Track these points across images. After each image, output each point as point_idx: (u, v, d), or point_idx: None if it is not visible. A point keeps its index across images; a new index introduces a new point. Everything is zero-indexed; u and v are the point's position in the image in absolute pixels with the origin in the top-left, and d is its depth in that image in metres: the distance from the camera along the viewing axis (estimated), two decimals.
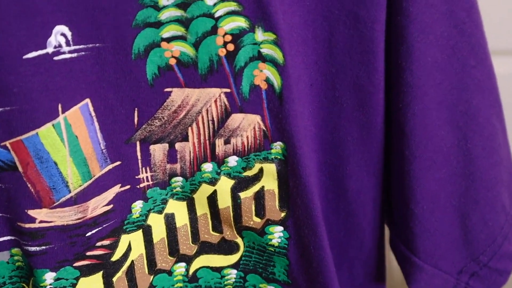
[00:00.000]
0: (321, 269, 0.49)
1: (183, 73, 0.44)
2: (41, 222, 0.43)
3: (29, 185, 0.42)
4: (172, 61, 0.44)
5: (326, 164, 0.52)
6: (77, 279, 0.45)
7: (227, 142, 0.47)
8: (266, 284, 0.53)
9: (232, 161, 0.48)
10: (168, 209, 0.49)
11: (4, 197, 0.43)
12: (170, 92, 0.45)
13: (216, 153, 0.47)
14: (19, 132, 0.40)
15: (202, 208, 0.49)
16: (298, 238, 0.50)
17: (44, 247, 0.44)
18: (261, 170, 0.48)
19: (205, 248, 0.51)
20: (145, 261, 0.49)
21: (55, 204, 0.43)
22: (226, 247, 0.51)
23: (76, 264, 0.45)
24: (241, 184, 0.48)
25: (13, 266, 0.45)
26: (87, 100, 0.43)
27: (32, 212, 0.43)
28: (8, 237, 0.44)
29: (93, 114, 0.43)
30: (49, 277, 0.44)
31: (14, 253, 0.45)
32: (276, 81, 0.45)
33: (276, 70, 0.45)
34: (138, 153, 0.46)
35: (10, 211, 0.43)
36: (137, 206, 0.47)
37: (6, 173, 0.42)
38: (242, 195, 0.49)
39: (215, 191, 0.48)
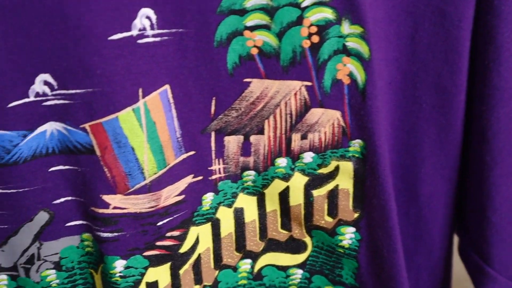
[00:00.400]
0: (393, 274, 0.47)
1: (264, 63, 0.43)
2: (114, 208, 0.42)
3: (105, 170, 0.41)
4: (254, 51, 0.43)
5: (399, 165, 0.51)
6: (146, 268, 0.45)
7: (304, 137, 0.46)
8: (332, 286, 0.51)
9: (308, 157, 0.46)
10: (238, 203, 0.48)
11: (80, 181, 0.42)
12: (250, 82, 0.44)
13: (292, 148, 0.46)
14: (99, 115, 0.40)
15: (272, 204, 0.48)
16: (370, 241, 0.48)
17: (116, 234, 0.43)
18: (337, 168, 0.46)
19: (272, 245, 0.50)
20: (212, 255, 0.48)
21: (129, 191, 0.42)
22: (294, 246, 0.50)
23: (146, 254, 0.44)
24: (315, 181, 0.47)
25: (83, 251, 0.45)
26: (167, 86, 0.42)
27: (106, 198, 0.42)
28: (80, 222, 0.44)
29: (171, 101, 0.42)
30: (119, 264, 0.43)
31: (85, 238, 0.44)
32: (360, 76, 0.43)
33: (360, 64, 0.43)
34: (213, 144, 0.45)
35: (84, 195, 0.42)
36: (208, 198, 0.46)
37: (83, 156, 0.41)
38: (315, 193, 0.47)
39: (287, 187, 0.47)
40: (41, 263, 0.44)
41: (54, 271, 0.45)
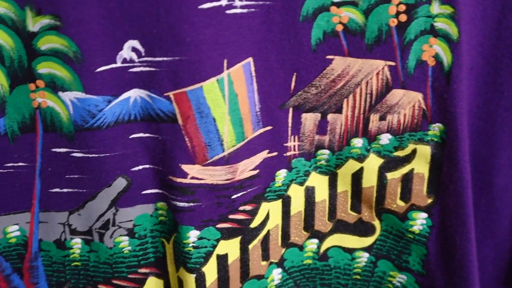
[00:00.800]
0: (464, 263, 0.46)
1: (348, 41, 0.43)
2: (192, 178, 0.43)
3: (186, 139, 0.41)
4: (339, 27, 0.42)
5: (474, 154, 0.49)
6: (217, 240, 0.45)
7: (382, 118, 0.45)
8: (398, 272, 0.50)
9: (385, 138, 0.46)
10: (310, 182, 0.47)
11: (159, 149, 0.42)
12: (332, 60, 0.43)
13: (369, 129, 0.45)
14: (184, 83, 0.40)
15: (344, 185, 0.48)
16: (442, 227, 0.47)
17: (192, 204, 0.43)
18: (413, 152, 0.46)
19: (340, 227, 0.49)
20: (280, 233, 0.48)
21: (208, 162, 0.42)
22: (362, 229, 0.49)
23: (219, 226, 0.44)
24: (389, 164, 0.46)
25: (156, 220, 0.45)
26: (250, 59, 0.41)
27: (185, 167, 0.42)
28: (156, 190, 0.44)
29: (253, 74, 0.42)
30: (193, 235, 0.44)
31: (159, 207, 0.45)
32: (446, 58, 0.42)
33: (447, 46, 0.42)
34: (290, 120, 0.45)
35: (162, 163, 0.43)
36: (281, 175, 0.46)
37: (165, 125, 0.41)
38: (389, 175, 0.46)
39: (361, 169, 0.46)
40: (115, 229, 0.45)
41: (127, 237, 0.45)
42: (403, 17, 0.42)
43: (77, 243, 0.46)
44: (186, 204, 0.43)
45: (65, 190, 0.44)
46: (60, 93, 0.40)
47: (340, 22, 0.42)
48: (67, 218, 0.45)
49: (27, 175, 0.44)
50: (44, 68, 0.40)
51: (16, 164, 0.43)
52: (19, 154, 0.43)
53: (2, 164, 0.43)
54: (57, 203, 0.44)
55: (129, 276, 0.46)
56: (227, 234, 0.45)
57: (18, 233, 0.46)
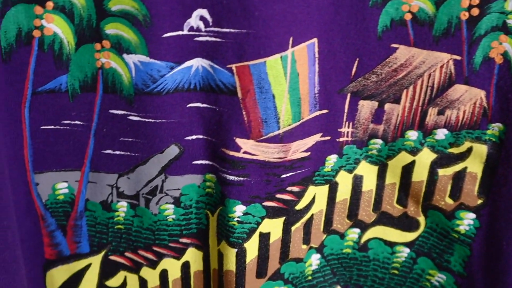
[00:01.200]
0: (509, 269, 0.45)
1: (415, 31, 0.42)
2: (245, 153, 0.43)
3: (243, 113, 0.42)
4: (408, 16, 0.42)
5: None
6: (262, 218, 0.45)
7: (440, 112, 0.44)
8: (437, 271, 0.50)
9: (441, 134, 0.45)
10: (359, 170, 0.47)
11: (215, 120, 0.43)
12: (396, 48, 0.43)
13: (426, 122, 0.45)
14: (248, 57, 0.40)
15: (393, 177, 0.47)
16: (490, 230, 0.46)
17: (241, 179, 0.43)
18: (469, 150, 0.45)
19: (384, 219, 0.49)
20: (323, 218, 0.48)
21: (262, 138, 0.42)
22: (406, 223, 0.49)
23: (265, 204, 0.44)
24: (442, 160, 0.46)
25: (203, 191, 0.45)
26: (315, 40, 0.41)
27: (239, 141, 0.42)
28: (206, 162, 0.44)
29: (316, 55, 0.42)
30: (239, 209, 0.44)
31: (208, 179, 0.45)
32: None
33: None
34: (346, 106, 0.45)
35: (217, 135, 0.43)
36: (331, 160, 0.46)
37: (223, 97, 0.42)
38: (441, 172, 0.46)
39: (413, 162, 0.46)
40: (162, 196, 0.45)
41: (172, 206, 0.46)
42: (475, 11, 0.41)
43: (122, 206, 0.47)
44: (235, 178, 0.43)
45: (117, 152, 0.44)
46: (125, 55, 0.41)
47: (410, 11, 0.42)
48: (116, 180, 0.46)
49: (82, 134, 0.44)
50: (112, 29, 0.40)
51: (72, 122, 0.44)
52: (77, 112, 0.43)
53: (60, 120, 0.44)
54: (108, 165, 0.45)
55: (170, 244, 0.47)
56: (272, 213, 0.45)
57: (66, 190, 0.47)
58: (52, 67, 0.41)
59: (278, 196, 0.45)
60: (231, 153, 0.43)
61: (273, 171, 0.44)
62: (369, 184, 0.48)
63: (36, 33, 0.40)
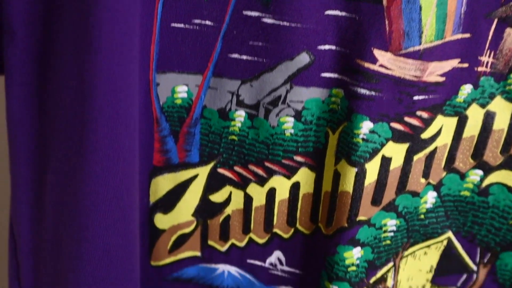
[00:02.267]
0: None
1: None
2: (380, 66, 0.41)
3: (386, 22, 0.39)
4: None
5: None
6: (387, 140, 0.43)
7: None
8: None
9: None
10: (492, 106, 0.44)
11: (352, 30, 0.41)
12: None
13: None
14: None
15: None
16: None
17: (373, 93, 0.41)
18: None
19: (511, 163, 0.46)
20: (446, 154, 0.45)
21: (401, 52, 0.40)
22: None
23: (392, 124, 0.42)
24: None
25: (327, 107, 0.44)
26: None
27: (377, 53, 0.40)
28: (335, 75, 0.42)
29: None
30: (366, 126, 0.42)
31: (334, 94, 0.43)
32: None
33: None
34: (491, 32, 0.42)
35: (352, 46, 0.41)
36: (465, 90, 0.43)
37: (366, 4, 0.39)
38: None
39: None
40: (284, 107, 0.44)
41: (292, 119, 0.44)
42: None
43: (240, 115, 0.45)
44: (367, 92, 0.41)
45: (244, 57, 0.43)
46: None
47: None
48: (238, 87, 0.45)
49: (210, 35, 0.43)
50: None
51: (203, 22, 0.43)
52: (209, 11, 0.42)
53: (191, 19, 0.43)
54: (232, 70, 0.44)
55: (283, 161, 0.45)
56: (397, 136, 0.43)
57: (185, 95, 0.46)
58: None
59: (406, 119, 0.42)
60: (367, 64, 0.41)
61: (406, 90, 0.41)
62: (501, 122, 0.44)
63: None
